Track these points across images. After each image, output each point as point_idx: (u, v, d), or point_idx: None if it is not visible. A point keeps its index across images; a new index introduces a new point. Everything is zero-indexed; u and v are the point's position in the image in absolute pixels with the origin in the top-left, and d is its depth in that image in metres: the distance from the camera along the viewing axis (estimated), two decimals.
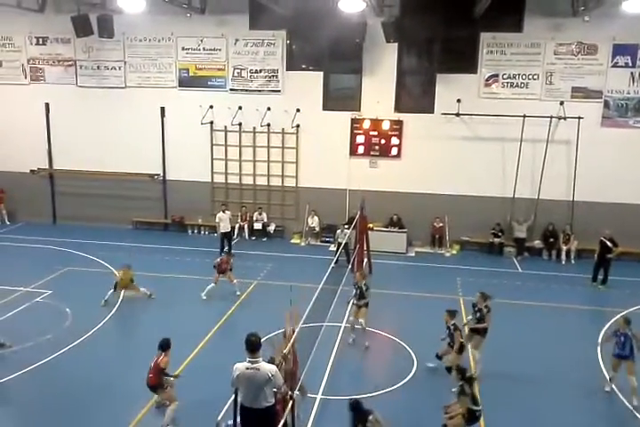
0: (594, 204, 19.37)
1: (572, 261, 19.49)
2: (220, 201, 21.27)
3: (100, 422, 9.59)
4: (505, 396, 10.50)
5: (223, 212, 19.14)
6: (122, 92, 21.76)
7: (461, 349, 10.84)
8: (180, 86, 21.50)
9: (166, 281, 16.45)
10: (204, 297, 15.23)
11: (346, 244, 17.90)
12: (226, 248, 18.74)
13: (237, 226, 21.26)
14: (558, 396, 10.80)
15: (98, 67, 21.81)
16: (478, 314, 11.40)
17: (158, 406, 9.81)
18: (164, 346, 9.53)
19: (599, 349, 10.11)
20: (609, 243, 16.94)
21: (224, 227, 19.01)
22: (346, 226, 18.74)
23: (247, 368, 7.03)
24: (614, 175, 19.27)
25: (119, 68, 21.70)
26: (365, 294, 12.78)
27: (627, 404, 10.52)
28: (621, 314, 14.63)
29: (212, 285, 15.35)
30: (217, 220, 19.14)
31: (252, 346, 7.08)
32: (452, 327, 10.83)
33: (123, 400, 10.06)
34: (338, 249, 17.98)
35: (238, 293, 15.60)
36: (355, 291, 12.93)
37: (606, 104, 19.39)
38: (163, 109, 21.64)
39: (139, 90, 21.67)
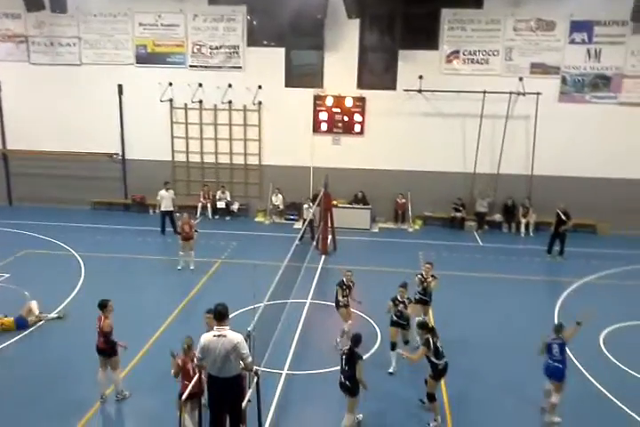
0: (552, 178, 19.79)
1: (531, 234, 19.99)
2: (182, 180, 20.99)
3: (55, 409, 9.49)
4: (465, 363, 10.76)
5: (166, 190, 18.66)
6: (77, 69, 21.13)
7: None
8: (137, 63, 20.99)
9: (128, 262, 16.26)
10: (180, 267, 15.43)
11: (311, 220, 17.99)
12: (170, 229, 18.54)
13: (200, 205, 21.09)
14: (515, 360, 11.13)
15: (51, 43, 21.09)
16: (424, 284, 11.84)
17: (118, 398, 9.64)
18: (101, 306, 9.35)
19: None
20: (563, 215, 17.39)
21: (165, 205, 18.53)
22: (310, 202, 18.76)
23: (214, 336, 7.10)
24: (572, 150, 19.68)
25: (74, 45, 21.02)
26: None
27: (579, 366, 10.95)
28: (576, 284, 15.23)
29: (181, 253, 15.47)
30: (158, 197, 18.68)
31: (220, 315, 7.21)
32: (406, 301, 10.91)
33: (85, 384, 9.97)
34: (305, 225, 18.07)
35: (192, 267, 15.59)
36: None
37: (564, 80, 19.72)
38: (120, 87, 21.11)
39: (95, 67, 21.07)
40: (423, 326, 9.39)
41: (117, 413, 9.46)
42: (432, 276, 12.00)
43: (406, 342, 10.89)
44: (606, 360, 11.42)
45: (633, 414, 9.61)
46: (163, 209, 18.63)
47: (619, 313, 13.34)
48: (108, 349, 9.43)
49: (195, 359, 7.88)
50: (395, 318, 10.83)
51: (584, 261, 17.11)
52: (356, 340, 8.70)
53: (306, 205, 18.82)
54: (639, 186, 19.57)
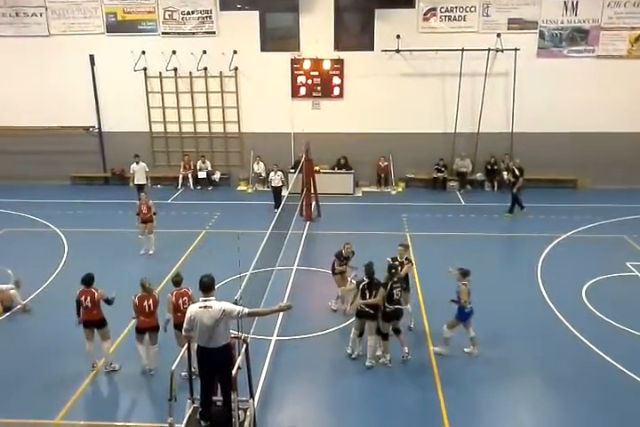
0: (532, 134, 19.82)
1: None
2: (161, 151, 20.70)
3: (48, 383, 9.57)
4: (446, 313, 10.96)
5: (136, 163, 18.18)
6: (46, 40, 20.54)
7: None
8: (108, 32, 20.45)
9: (112, 236, 16.16)
10: (142, 252, 14.72)
11: (278, 187, 18.05)
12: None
13: (181, 176, 20.90)
14: (501, 309, 11.44)
15: (16, 13, 20.40)
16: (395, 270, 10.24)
17: (107, 370, 9.74)
18: (87, 281, 9.60)
19: None
20: (517, 171, 17.35)
21: (138, 178, 18.12)
22: (275, 166, 18.64)
23: (200, 307, 7.12)
24: (551, 105, 19.67)
25: (40, 15, 20.36)
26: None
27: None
28: (558, 239, 15.45)
29: (140, 237, 14.76)
30: (131, 171, 18.26)
31: (205, 286, 7.20)
32: (405, 261, 10.95)
33: (76, 359, 10.04)
34: (275, 193, 18.09)
35: (151, 251, 14.73)
36: None
37: (541, 35, 19.54)
38: (92, 57, 20.60)
39: (64, 37, 20.49)
40: (389, 269, 9.92)
41: (109, 385, 9.56)
42: (407, 259, 10.96)
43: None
44: (587, 311, 11.68)
45: (607, 358, 9.94)
46: (136, 182, 18.21)
47: (600, 266, 13.60)
48: (102, 320, 9.64)
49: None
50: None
51: (566, 217, 17.33)
52: (371, 272, 9.59)
53: (272, 173, 18.68)
54: (618, 139, 19.68)
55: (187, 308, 7.59)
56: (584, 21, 19.34)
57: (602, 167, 19.76)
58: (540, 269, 13.63)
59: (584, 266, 13.70)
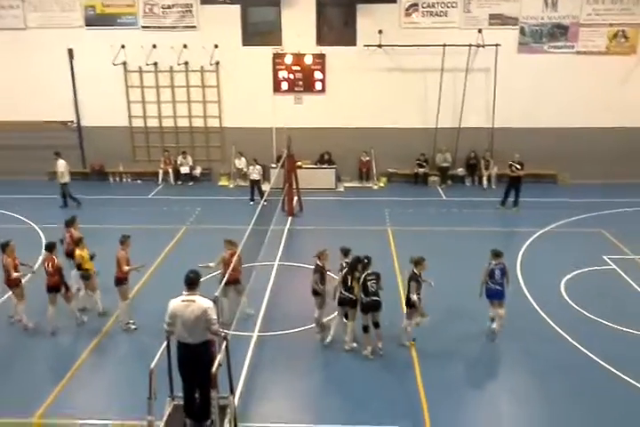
0: (513, 129, 19.95)
1: (493, 186, 20.28)
2: (141, 146, 20.50)
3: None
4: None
5: (58, 160, 17.75)
6: (23, 33, 20.18)
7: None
8: (87, 26, 20.17)
9: (90, 232, 15.85)
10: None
11: (258, 180, 18.17)
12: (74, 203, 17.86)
13: (161, 171, 20.74)
14: (481, 302, 11.27)
15: None
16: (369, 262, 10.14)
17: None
18: (51, 246, 10.68)
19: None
20: (518, 166, 17.57)
21: (63, 176, 17.74)
22: (255, 161, 18.73)
23: (182, 300, 7.09)
24: (531, 101, 19.80)
25: (17, 7, 20.03)
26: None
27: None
28: (537, 234, 15.62)
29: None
30: (58, 169, 17.89)
31: (190, 280, 7.16)
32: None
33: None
34: (252, 187, 18.12)
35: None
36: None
37: (522, 30, 19.66)
38: (71, 51, 20.31)
39: (42, 31, 20.15)
40: (358, 261, 10.00)
41: (90, 377, 9.50)
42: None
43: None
44: (565, 304, 11.85)
45: (585, 351, 10.12)
46: (61, 181, 17.85)
47: (579, 260, 13.78)
48: (61, 285, 10.59)
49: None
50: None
51: (545, 211, 17.52)
52: (356, 261, 9.85)
53: (251, 167, 18.68)
54: (597, 135, 19.87)
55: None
56: (564, 18, 19.49)
57: (581, 162, 19.97)
58: (519, 263, 13.76)
59: (563, 260, 13.86)
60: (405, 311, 10.33)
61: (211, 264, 10.61)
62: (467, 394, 9.12)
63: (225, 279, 9.85)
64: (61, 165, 17.87)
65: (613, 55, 19.68)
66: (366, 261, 10.01)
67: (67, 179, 17.96)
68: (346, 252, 10.35)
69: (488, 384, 9.45)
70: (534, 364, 9.80)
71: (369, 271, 9.90)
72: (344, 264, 10.21)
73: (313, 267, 10.59)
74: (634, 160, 20.01)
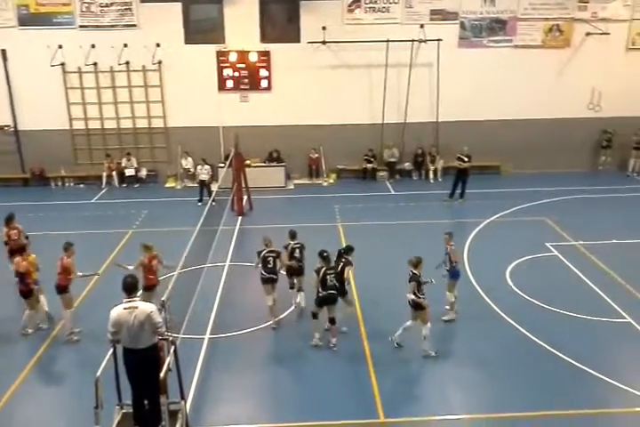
0: (457, 123, 20.29)
1: (440, 179, 20.62)
2: (83, 148, 19.95)
3: None
4: (383, 301, 11.26)
5: None
6: None
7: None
8: (20, 26, 19.46)
9: (34, 239, 15.41)
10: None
11: (206, 180, 18.15)
12: None
13: (104, 174, 20.24)
14: (429, 292, 11.51)
15: None
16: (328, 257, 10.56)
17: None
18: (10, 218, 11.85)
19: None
20: (465, 158, 17.99)
21: None
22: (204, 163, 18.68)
23: (125, 308, 6.99)
24: (473, 94, 20.13)
25: None
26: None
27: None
28: (483, 224, 15.98)
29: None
30: None
31: (129, 286, 7.12)
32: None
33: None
34: (201, 187, 18.04)
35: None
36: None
37: (462, 25, 20.01)
38: (4, 52, 19.61)
39: None
40: (320, 255, 10.15)
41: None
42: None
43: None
44: (510, 291, 12.21)
45: (529, 335, 10.49)
46: None
47: (523, 248, 14.17)
48: (28, 291, 10.54)
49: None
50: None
51: (490, 202, 17.91)
52: (327, 258, 10.07)
53: (199, 167, 18.50)
54: (536, 125, 20.46)
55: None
56: (502, 12, 19.93)
57: (522, 153, 20.50)
58: (466, 252, 14.04)
59: (508, 248, 14.23)
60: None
61: (129, 267, 10.28)
62: (415, 379, 9.44)
63: (143, 285, 9.94)
64: None
65: (549, 49, 20.24)
66: (325, 254, 10.14)
67: None
68: (293, 234, 11.24)
69: (435, 370, 9.62)
70: (482, 349, 10.09)
71: (329, 266, 10.07)
72: (292, 244, 11.04)
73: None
74: (571, 150, 20.70)
